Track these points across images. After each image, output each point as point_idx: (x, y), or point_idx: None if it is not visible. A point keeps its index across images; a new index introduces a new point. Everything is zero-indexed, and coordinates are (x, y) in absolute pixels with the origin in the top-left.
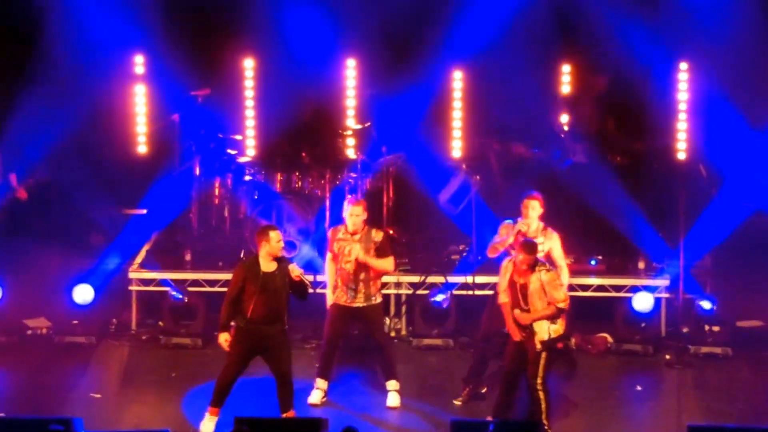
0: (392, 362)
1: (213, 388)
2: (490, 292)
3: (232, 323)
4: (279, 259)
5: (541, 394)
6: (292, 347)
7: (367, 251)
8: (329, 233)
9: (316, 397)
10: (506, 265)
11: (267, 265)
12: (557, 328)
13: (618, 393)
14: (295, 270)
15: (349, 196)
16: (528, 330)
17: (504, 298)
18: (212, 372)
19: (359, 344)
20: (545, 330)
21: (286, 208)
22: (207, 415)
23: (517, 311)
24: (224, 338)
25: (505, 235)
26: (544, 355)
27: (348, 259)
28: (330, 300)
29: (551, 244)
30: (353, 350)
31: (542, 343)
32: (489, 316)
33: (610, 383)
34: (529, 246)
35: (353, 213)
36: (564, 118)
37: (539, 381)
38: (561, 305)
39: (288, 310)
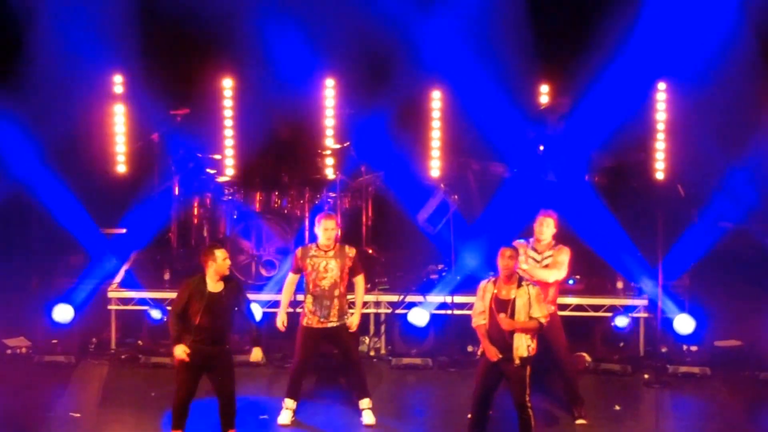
0: (364, 380)
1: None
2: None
3: None
4: (226, 279)
5: (530, 412)
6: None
7: (343, 266)
8: (298, 252)
9: (285, 417)
10: (485, 285)
11: (214, 285)
12: (534, 345)
13: (596, 412)
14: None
15: (322, 212)
16: (507, 351)
17: (479, 321)
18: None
19: (329, 364)
20: (524, 347)
21: (266, 228)
22: None
23: (502, 315)
24: (181, 350)
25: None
26: (527, 371)
27: (324, 276)
28: (282, 319)
29: (558, 258)
30: (324, 370)
31: (522, 359)
32: None
33: (588, 403)
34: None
35: (327, 227)
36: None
37: (528, 399)
38: (543, 320)
39: (231, 330)
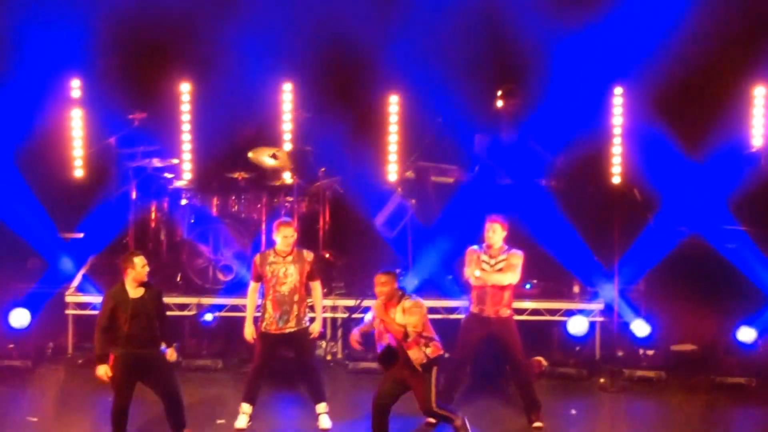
0: (321, 385)
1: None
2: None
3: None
4: (146, 284)
5: (443, 412)
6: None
7: (302, 271)
8: (256, 259)
9: (242, 421)
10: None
11: (134, 292)
12: (432, 349)
13: (552, 416)
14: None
15: (280, 219)
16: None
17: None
18: (149, 396)
19: (287, 368)
20: (421, 355)
21: (223, 232)
22: None
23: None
24: (104, 370)
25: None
26: (430, 376)
27: (283, 281)
28: (250, 331)
29: (512, 261)
30: (281, 374)
31: (422, 365)
32: (462, 343)
33: (544, 407)
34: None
35: (286, 234)
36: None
37: (434, 404)
38: (411, 329)
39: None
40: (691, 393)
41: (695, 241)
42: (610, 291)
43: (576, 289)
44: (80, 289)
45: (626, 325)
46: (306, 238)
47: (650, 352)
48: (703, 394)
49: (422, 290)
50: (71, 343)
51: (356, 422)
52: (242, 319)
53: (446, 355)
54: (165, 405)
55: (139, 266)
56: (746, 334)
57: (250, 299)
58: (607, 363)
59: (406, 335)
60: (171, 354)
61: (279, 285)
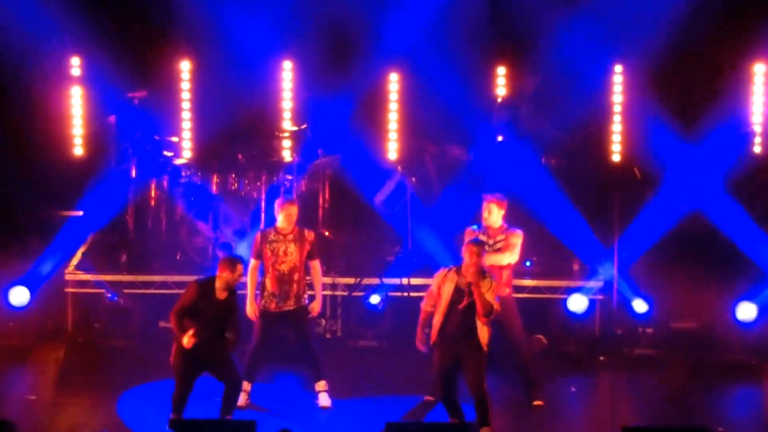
0: (320, 363)
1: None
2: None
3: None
4: (230, 292)
5: (488, 400)
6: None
7: (302, 250)
8: (257, 237)
9: (241, 399)
10: (445, 274)
11: (221, 293)
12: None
13: (552, 394)
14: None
15: (282, 197)
16: (467, 336)
17: (426, 307)
18: (148, 374)
19: (285, 347)
20: (486, 334)
21: (222, 210)
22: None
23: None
24: (189, 335)
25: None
26: (485, 357)
27: (283, 260)
28: (252, 309)
29: (511, 240)
30: (280, 353)
31: (487, 345)
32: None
33: (544, 384)
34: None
35: (290, 213)
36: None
37: (485, 385)
38: (497, 308)
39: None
40: (691, 371)
41: (695, 218)
42: (609, 269)
43: (576, 267)
44: (80, 267)
45: (626, 303)
46: (305, 217)
47: (650, 330)
48: (702, 372)
49: (421, 269)
50: (71, 321)
51: (355, 400)
52: (242, 297)
53: None
54: (225, 390)
55: (237, 273)
56: (746, 312)
57: (251, 277)
58: (607, 341)
59: (490, 312)
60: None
61: (279, 264)
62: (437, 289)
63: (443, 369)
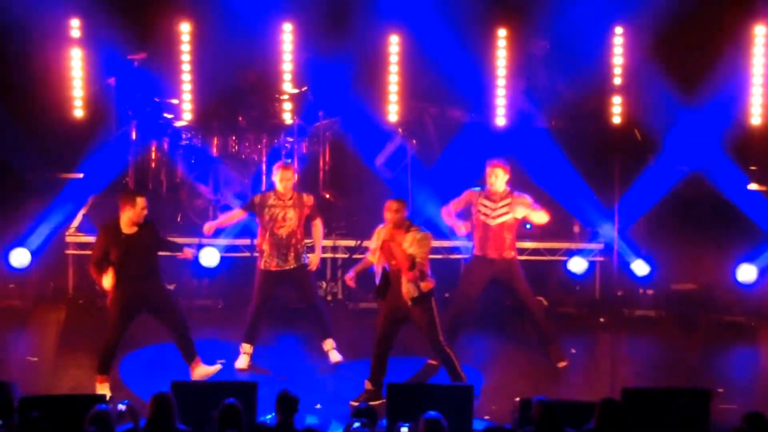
0: (326, 320)
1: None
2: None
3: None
4: (140, 224)
5: (447, 350)
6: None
7: (301, 215)
8: (256, 198)
9: (242, 362)
10: (379, 230)
11: (128, 229)
12: (426, 283)
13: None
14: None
15: (279, 162)
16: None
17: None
18: (149, 336)
19: (287, 307)
20: (413, 289)
21: (223, 172)
22: (97, 384)
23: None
24: (109, 277)
25: (450, 222)
26: (431, 307)
27: (282, 225)
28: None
29: (518, 209)
30: (280, 314)
31: (413, 300)
32: (465, 285)
33: (544, 347)
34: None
35: (284, 177)
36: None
37: (440, 336)
38: (417, 259)
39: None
40: (691, 332)
41: (695, 180)
42: (610, 231)
43: (576, 229)
44: (80, 229)
45: (626, 264)
46: (306, 179)
47: (650, 292)
48: (702, 333)
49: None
50: (72, 283)
51: (356, 362)
52: (242, 259)
53: (446, 294)
54: (175, 339)
55: (139, 207)
56: (746, 273)
57: (229, 216)
58: (607, 302)
59: (412, 265)
60: (187, 252)
61: (277, 228)
62: (373, 244)
63: (381, 325)
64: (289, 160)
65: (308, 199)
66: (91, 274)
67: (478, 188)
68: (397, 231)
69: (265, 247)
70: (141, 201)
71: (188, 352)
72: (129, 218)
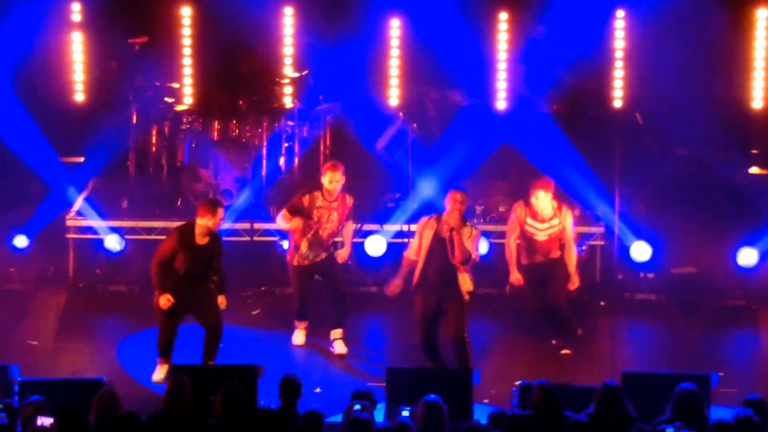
0: (345, 312)
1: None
2: None
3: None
4: (212, 236)
5: (468, 346)
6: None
7: (341, 217)
8: (304, 199)
9: (299, 337)
10: (425, 222)
11: (201, 239)
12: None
13: (553, 339)
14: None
15: (331, 162)
16: (448, 286)
17: (410, 255)
18: (148, 320)
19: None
20: (467, 282)
21: (223, 156)
22: (158, 366)
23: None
24: (166, 298)
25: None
26: (463, 306)
27: (326, 226)
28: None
29: (565, 223)
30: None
31: (470, 293)
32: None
33: (545, 330)
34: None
35: (334, 179)
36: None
37: (466, 332)
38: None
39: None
40: (692, 316)
41: (696, 163)
42: (610, 214)
43: (576, 212)
44: (81, 213)
45: (627, 248)
46: (306, 163)
47: (650, 275)
48: (703, 317)
49: (422, 215)
50: (72, 267)
51: (356, 346)
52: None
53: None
54: (205, 335)
55: (218, 217)
56: (747, 257)
57: (285, 226)
58: (607, 286)
59: (468, 260)
60: (222, 301)
61: (322, 229)
62: (419, 237)
63: (424, 314)
64: (338, 162)
65: (350, 201)
66: (150, 270)
67: (522, 203)
68: (460, 223)
69: (304, 245)
70: (221, 212)
71: (211, 352)
72: (206, 226)
